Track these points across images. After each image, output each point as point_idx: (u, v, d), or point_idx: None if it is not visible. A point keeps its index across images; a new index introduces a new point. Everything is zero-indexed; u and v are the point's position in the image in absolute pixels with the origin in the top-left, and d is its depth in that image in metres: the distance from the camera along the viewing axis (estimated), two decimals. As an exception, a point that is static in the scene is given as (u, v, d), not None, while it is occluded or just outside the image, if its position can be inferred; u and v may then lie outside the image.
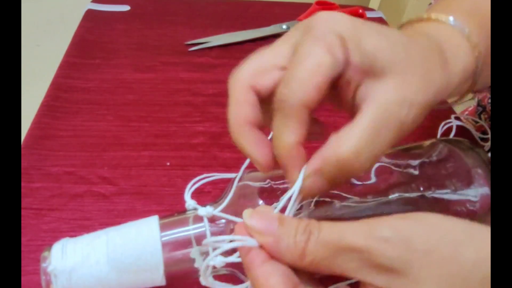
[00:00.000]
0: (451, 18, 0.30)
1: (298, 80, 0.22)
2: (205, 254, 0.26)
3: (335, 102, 0.26)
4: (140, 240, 0.27)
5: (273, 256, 0.21)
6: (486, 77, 0.31)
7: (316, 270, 0.21)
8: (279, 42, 0.26)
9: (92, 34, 0.64)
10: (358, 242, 0.20)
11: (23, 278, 0.33)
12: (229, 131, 0.25)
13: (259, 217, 0.22)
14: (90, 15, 0.69)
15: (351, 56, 0.23)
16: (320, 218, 0.23)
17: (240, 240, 0.22)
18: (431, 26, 0.30)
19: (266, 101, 0.25)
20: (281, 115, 0.23)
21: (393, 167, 0.31)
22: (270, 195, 0.29)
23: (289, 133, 0.23)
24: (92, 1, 0.72)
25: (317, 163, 0.23)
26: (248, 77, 0.24)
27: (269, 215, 0.22)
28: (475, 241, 0.20)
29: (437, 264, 0.19)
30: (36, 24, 0.98)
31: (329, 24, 0.23)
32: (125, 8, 0.71)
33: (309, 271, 0.21)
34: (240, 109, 0.24)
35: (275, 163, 0.24)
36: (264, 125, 0.26)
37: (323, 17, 0.23)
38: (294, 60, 0.23)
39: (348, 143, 0.22)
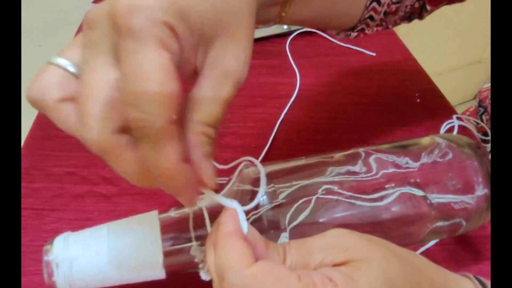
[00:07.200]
0: None
1: (152, 98, 0.18)
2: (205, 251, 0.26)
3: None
4: (140, 231, 0.27)
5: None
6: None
7: None
8: (70, 46, 0.22)
9: (93, 34, 0.64)
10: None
11: (24, 279, 0.33)
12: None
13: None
14: (91, 15, 0.69)
15: (182, 36, 0.20)
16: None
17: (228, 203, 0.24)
18: None
19: None
20: (148, 141, 0.19)
21: (391, 164, 0.31)
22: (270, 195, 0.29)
23: (168, 154, 0.19)
24: (93, 2, 0.72)
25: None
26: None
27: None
28: None
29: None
30: (38, 24, 0.98)
31: (145, 14, 0.18)
32: (127, 8, 0.71)
33: None
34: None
35: None
36: None
37: (133, 6, 0.18)
38: (127, 73, 0.18)
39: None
